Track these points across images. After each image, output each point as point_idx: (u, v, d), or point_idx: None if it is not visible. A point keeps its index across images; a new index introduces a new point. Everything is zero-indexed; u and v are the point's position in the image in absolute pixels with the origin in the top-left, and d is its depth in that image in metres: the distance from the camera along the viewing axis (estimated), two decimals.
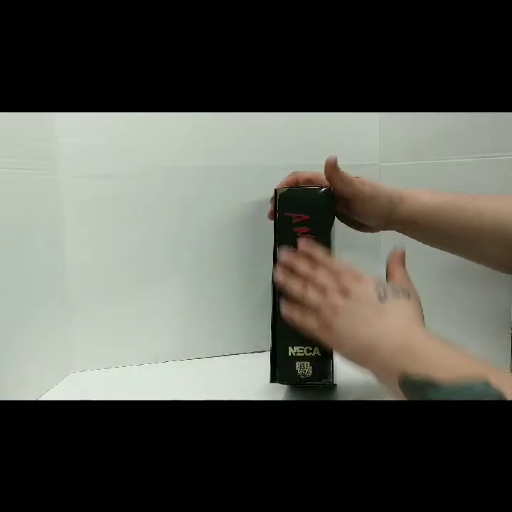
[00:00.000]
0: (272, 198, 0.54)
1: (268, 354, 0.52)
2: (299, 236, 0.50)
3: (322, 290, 0.46)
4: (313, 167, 0.59)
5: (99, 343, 0.65)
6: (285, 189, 0.52)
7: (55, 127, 0.59)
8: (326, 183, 0.52)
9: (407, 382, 0.37)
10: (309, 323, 0.47)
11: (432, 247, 0.55)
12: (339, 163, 0.51)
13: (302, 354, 0.50)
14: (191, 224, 0.66)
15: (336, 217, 0.54)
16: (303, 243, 0.50)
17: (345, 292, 0.45)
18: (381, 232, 0.56)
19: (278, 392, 0.56)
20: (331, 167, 0.50)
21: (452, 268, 0.64)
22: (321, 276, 0.47)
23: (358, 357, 0.43)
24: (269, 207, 0.56)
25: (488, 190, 0.61)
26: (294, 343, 0.50)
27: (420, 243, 0.55)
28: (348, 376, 0.50)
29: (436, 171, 0.65)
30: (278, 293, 0.50)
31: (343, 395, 0.51)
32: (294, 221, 0.51)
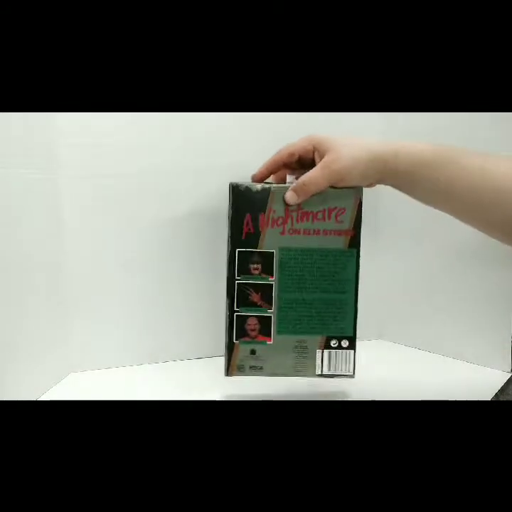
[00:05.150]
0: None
1: None
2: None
3: None
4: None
5: (99, 343, 0.65)
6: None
7: (55, 127, 0.59)
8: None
9: None
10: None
11: (430, 205, 0.51)
12: None
13: None
14: (192, 223, 0.66)
15: None
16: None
17: None
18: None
19: (279, 393, 0.56)
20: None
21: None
22: None
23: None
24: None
25: None
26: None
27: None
28: (348, 377, 0.50)
29: None
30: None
31: (344, 395, 0.50)
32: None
